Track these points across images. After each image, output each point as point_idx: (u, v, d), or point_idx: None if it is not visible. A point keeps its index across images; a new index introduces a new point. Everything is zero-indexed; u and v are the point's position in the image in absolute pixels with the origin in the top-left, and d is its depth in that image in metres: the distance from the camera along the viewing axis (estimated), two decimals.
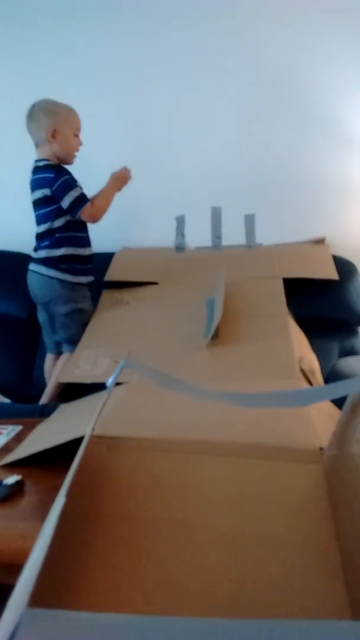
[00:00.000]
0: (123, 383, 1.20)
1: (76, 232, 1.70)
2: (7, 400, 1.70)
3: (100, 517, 0.70)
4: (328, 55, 2.00)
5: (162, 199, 2.13)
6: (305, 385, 1.20)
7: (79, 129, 1.69)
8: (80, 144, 1.70)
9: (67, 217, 1.66)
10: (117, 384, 1.21)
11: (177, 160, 2.14)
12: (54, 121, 1.64)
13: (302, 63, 2.03)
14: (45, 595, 0.52)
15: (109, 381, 0.81)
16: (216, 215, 2.06)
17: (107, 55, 2.13)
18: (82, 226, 1.72)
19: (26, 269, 1.93)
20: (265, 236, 2.04)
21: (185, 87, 2.11)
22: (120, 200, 1.98)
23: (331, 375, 1.62)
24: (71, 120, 1.67)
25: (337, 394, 0.78)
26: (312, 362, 1.42)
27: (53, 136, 1.64)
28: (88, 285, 1.73)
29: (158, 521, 0.70)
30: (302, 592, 0.60)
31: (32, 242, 1.91)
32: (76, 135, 1.68)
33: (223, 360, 1.29)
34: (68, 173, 1.66)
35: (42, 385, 1.73)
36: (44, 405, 1.37)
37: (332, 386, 0.80)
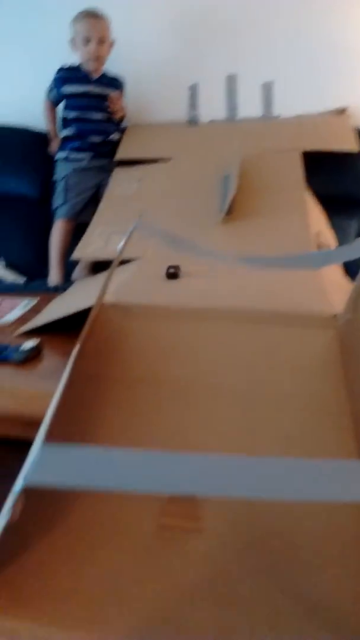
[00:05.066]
0: (137, 258, 1.19)
1: None
2: (23, 279, 1.72)
3: (113, 377, 0.72)
4: None
5: (172, 66, 1.98)
6: None
7: (87, 37, 1.73)
8: (91, 51, 1.74)
9: None
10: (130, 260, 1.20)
11: (189, 21, 1.96)
12: (72, 32, 1.76)
13: None
14: (61, 435, 0.55)
15: (119, 245, 0.80)
16: (231, 83, 1.93)
17: None
18: None
19: (36, 145, 1.89)
20: (284, 107, 1.92)
21: None
22: (123, 69, 1.86)
23: None
24: (78, 28, 1.74)
25: (351, 256, 0.76)
26: (329, 238, 1.39)
27: (73, 45, 1.77)
28: None
29: (170, 381, 0.71)
30: (313, 447, 0.62)
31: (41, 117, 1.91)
32: (86, 43, 1.73)
33: (238, 236, 1.26)
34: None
35: None
36: (58, 285, 1.39)
37: (346, 248, 0.79)
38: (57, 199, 1.81)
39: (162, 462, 0.40)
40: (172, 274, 0.98)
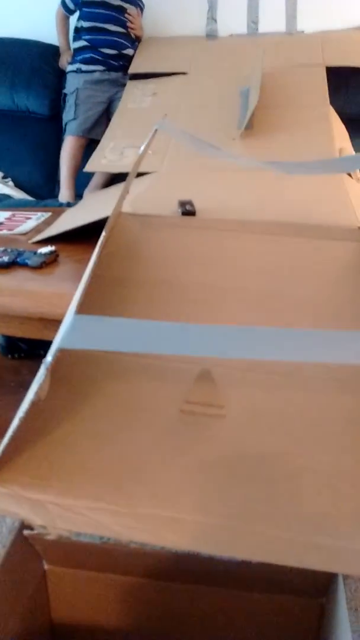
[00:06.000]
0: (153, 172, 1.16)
1: None
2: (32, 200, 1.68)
3: (135, 281, 0.70)
4: None
5: None
6: (344, 176, 1.14)
7: None
8: None
9: None
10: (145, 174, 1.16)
11: None
12: None
13: None
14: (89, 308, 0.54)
15: (141, 147, 0.77)
16: None
17: None
18: None
19: (47, 59, 1.83)
20: (308, 22, 1.82)
21: None
22: None
23: None
24: None
25: None
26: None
27: None
28: None
29: (191, 285, 0.70)
30: None
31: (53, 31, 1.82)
32: None
33: (258, 152, 1.21)
34: None
35: None
36: (70, 202, 1.36)
37: None
38: (68, 114, 1.75)
39: (188, 330, 0.39)
40: (188, 212, 0.89)
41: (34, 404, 0.43)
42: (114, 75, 1.75)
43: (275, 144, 1.23)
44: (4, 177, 1.76)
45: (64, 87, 1.80)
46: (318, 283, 0.73)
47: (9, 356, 1.13)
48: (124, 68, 1.75)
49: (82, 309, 0.50)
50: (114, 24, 1.73)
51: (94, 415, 0.50)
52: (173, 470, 0.45)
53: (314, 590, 0.51)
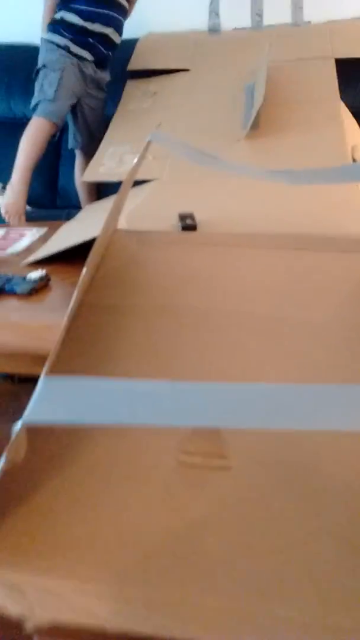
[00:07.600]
0: (152, 180, 1.10)
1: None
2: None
3: (128, 308, 0.65)
4: None
5: None
6: None
7: None
8: None
9: None
10: (145, 181, 1.10)
11: None
12: None
13: None
14: (68, 369, 0.48)
15: (135, 160, 0.71)
16: None
17: None
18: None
19: None
20: (315, 12, 1.74)
21: None
22: None
23: None
24: None
25: None
26: None
27: None
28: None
29: (194, 311, 0.64)
30: (346, 377, 0.55)
31: None
32: None
33: (265, 153, 1.15)
34: None
35: (69, 195, 1.63)
36: (71, 210, 1.30)
37: None
38: (44, 91, 1.42)
39: (175, 392, 0.33)
40: (189, 226, 0.82)
41: (8, 470, 0.38)
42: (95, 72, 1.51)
43: (283, 145, 1.16)
44: (3, 188, 1.71)
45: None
46: (330, 302, 0.66)
47: (10, 380, 1.08)
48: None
49: (58, 363, 0.44)
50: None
51: (81, 474, 0.44)
52: (174, 539, 0.39)
53: None
